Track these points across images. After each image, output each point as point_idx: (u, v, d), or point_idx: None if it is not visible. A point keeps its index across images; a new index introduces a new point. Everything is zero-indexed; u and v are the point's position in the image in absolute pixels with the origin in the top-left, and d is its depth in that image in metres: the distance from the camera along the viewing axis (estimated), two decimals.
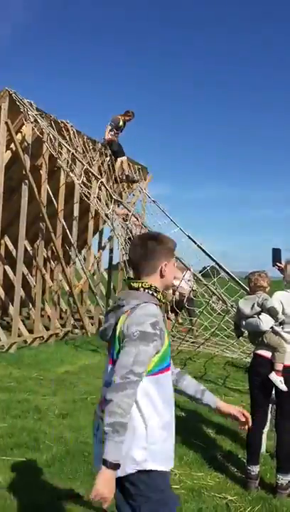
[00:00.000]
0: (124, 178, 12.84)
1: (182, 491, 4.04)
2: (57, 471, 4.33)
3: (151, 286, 2.28)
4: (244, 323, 4.44)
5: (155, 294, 2.28)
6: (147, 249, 2.30)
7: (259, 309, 4.27)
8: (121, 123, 12.36)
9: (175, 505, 2.25)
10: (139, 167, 14.11)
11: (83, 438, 5.14)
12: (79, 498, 3.83)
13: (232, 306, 8.52)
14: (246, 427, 2.44)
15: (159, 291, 2.29)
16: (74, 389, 7.13)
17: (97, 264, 13.14)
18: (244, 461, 4.67)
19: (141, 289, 2.27)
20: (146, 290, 2.26)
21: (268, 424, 5.00)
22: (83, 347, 10.31)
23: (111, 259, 13.60)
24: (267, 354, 4.20)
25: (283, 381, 4.09)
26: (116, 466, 1.98)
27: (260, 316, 4.25)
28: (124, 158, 12.64)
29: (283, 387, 4.08)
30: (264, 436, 4.96)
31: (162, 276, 2.31)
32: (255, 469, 4.20)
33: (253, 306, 4.30)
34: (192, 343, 10.34)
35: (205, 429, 5.61)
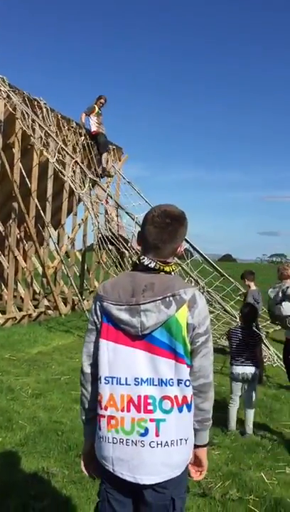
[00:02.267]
0: (101, 172, 12.82)
1: None
2: (30, 450, 4.33)
3: (176, 268, 2.14)
4: (274, 310, 4.81)
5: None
6: (174, 229, 2.07)
7: (281, 296, 4.62)
8: (97, 109, 12.35)
9: None
10: (114, 147, 13.96)
11: (56, 417, 5.15)
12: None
13: (204, 287, 8.57)
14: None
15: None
16: (48, 369, 7.12)
17: (71, 245, 13.04)
18: (216, 438, 4.80)
19: (172, 273, 2.08)
20: (173, 273, 2.08)
21: (238, 403, 5.12)
22: (56, 328, 10.28)
23: (85, 239, 13.51)
24: None
25: None
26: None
27: (283, 303, 4.56)
28: (105, 155, 12.66)
29: None
30: (234, 415, 5.09)
31: (175, 256, 2.16)
32: None
33: (278, 293, 4.64)
34: None
35: None
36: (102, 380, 1.99)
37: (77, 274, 13.75)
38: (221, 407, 5.36)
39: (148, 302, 1.94)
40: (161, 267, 2.04)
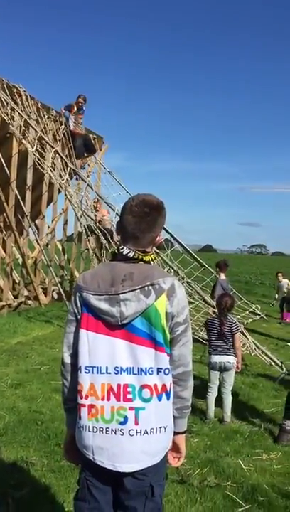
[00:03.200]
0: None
1: None
2: (9, 439, 4.32)
3: (155, 258, 2.14)
4: None
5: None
6: (153, 218, 2.07)
7: None
8: (75, 109, 12.32)
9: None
10: (95, 137, 13.85)
11: (36, 407, 5.15)
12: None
13: (183, 278, 8.62)
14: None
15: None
16: (27, 359, 7.10)
17: (52, 235, 12.95)
18: (195, 425, 4.87)
19: (152, 262, 2.08)
20: (152, 262, 2.09)
21: (216, 391, 5.19)
22: (36, 318, 10.23)
23: (65, 229, 13.42)
24: None
25: None
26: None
27: None
28: (78, 161, 12.57)
29: None
30: (212, 403, 5.16)
31: (154, 246, 2.17)
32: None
33: None
34: None
35: None
36: (83, 370, 2.00)
37: (58, 264, 13.67)
38: (200, 396, 5.44)
39: (127, 291, 1.95)
40: (140, 257, 2.05)
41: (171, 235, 12.24)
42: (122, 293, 1.95)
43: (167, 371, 1.99)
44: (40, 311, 10.86)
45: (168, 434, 2.06)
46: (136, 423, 1.95)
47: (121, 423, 1.95)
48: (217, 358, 5.13)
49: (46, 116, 11.41)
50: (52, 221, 12.72)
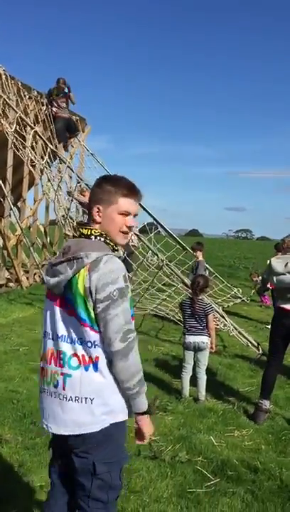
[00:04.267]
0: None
1: None
2: None
3: (102, 233, 2.09)
4: (275, 279, 4.81)
5: (109, 242, 2.10)
6: (92, 192, 2.14)
7: None
8: (55, 92, 12.17)
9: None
10: (77, 118, 13.71)
11: (13, 387, 5.19)
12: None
13: (163, 260, 8.65)
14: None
15: (112, 240, 2.11)
16: (6, 340, 7.11)
17: (33, 217, 12.86)
18: (170, 404, 4.95)
19: (92, 236, 2.08)
20: (98, 238, 2.07)
21: (190, 371, 5.27)
22: (17, 300, 10.21)
23: (47, 212, 13.34)
24: None
25: None
26: (148, 411, 2.13)
27: None
28: (60, 144, 12.40)
29: None
30: (187, 382, 5.25)
31: (111, 222, 2.09)
32: (266, 403, 4.75)
33: (286, 264, 4.67)
34: None
35: None
36: (43, 335, 2.17)
37: (40, 246, 13.61)
38: (176, 376, 5.52)
39: (58, 263, 2.06)
40: (80, 230, 2.12)
41: (154, 219, 12.27)
42: (55, 264, 2.07)
43: (90, 344, 2.00)
44: (21, 294, 10.84)
45: (95, 407, 2.02)
46: (64, 389, 2.05)
47: (55, 386, 2.08)
48: (191, 338, 5.21)
49: (27, 97, 11.24)
50: (34, 203, 12.63)
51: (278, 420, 4.78)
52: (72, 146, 13.49)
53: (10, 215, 11.65)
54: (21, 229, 11.50)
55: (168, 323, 9.18)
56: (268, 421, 4.74)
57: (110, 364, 2.02)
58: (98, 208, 2.10)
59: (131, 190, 2.12)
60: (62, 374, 2.05)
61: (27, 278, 12.09)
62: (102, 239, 2.08)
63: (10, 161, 10.97)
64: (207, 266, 10.05)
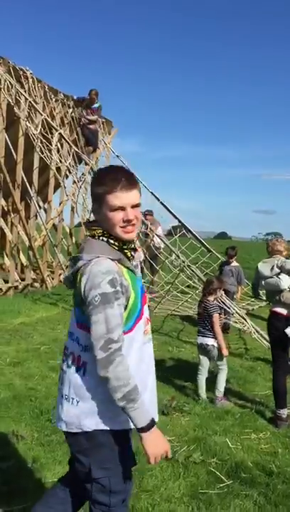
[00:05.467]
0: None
1: None
2: (2, 414, 4.43)
3: (104, 233, 1.99)
4: (263, 283, 4.83)
5: (112, 242, 2.00)
6: (91, 190, 2.04)
7: (278, 270, 4.66)
8: (86, 103, 12.31)
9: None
10: (104, 120, 13.81)
11: (32, 385, 5.26)
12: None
13: (184, 262, 8.62)
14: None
15: (117, 240, 2.00)
16: (29, 339, 7.21)
17: (59, 218, 13.00)
18: (187, 405, 4.92)
19: (96, 236, 2.02)
20: (100, 238, 2.00)
21: (205, 372, 5.23)
22: (42, 300, 10.34)
23: (72, 213, 13.46)
24: (283, 311, 4.65)
25: None
26: (151, 425, 1.91)
27: (280, 276, 4.64)
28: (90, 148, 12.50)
29: None
30: (203, 383, 5.21)
31: (107, 221, 1.98)
32: (284, 412, 4.66)
33: (272, 267, 4.69)
34: (149, 299, 10.53)
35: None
36: None
37: (66, 247, 13.74)
38: (194, 377, 5.48)
39: (68, 263, 2.12)
40: (87, 231, 2.12)
41: (179, 220, 12.24)
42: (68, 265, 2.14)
43: (82, 348, 2.00)
44: (45, 294, 10.96)
45: (81, 410, 1.99)
46: (62, 384, 2.10)
47: (60, 381, 2.16)
48: (198, 340, 5.27)
49: (54, 100, 11.39)
50: (60, 204, 12.76)
51: None
52: (98, 148, 13.59)
53: (36, 217, 11.82)
54: (46, 229, 11.62)
55: (189, 325, 9.13)
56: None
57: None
58: (94, 208, 2.04)
59: (114, 185, 1.94)
60: (62, 370, 2.12)
61: (52, 278, 12.23)
62: (105, 239, 2.00)
63: (36, 163, 11.13)
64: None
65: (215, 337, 5.13)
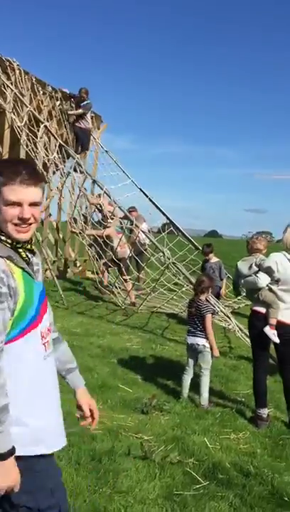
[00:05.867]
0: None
1: (99, 431, 4.13)
2: None
3: None
4: (242, 281, 4.80)
5: (4, 239, 1.80)
6: None
7: (256, 269, 4.62)
8: (75, 101, 12.11)
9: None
10: (92, 115, 13.67)
11: None
12: None
13: (169, 259, 8.57)
14: (87, 423, 2.12)
15: (10, 238, 1.80)
16: None
17: (46, 213, 12.85)
18: (168, 404, 4.85)
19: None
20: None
21: (191, 372, 5.16)
22: None
23: (59, 208, 13.33)
24: (262, 310, 4.58)
25: (276, 334, 4.49)
26: (10, 454, 1.70)
27: (258, 274, 4.59)
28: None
29: (275, 339, 4.49)
30: (187, 383, 5.15)
31: (1, 214, 1.78)
32: (264, 412, 4.63)
33: (251, 266, 4.66)
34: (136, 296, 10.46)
35: (133, 375, 5.73)
36: None
37: (52, 242, 13.60)
38: (177, 375, 5.42)
39: None
40: None
41: (167, 217, 12.17)
42: None
43: None
44: None
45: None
46: None
47: None
48: (188, 339, 5.15)
49: (41, 92, 11.23)
50: (47, 199, 12.61)
51: (277, 424, 4.64)
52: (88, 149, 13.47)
53: None
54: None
55: (174, 322, 9.07)
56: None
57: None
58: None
59: (12, 177, 1.75)
60: None
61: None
62: None
63: (22, 157, 10.94)
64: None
65: (206, 337, 5.02)
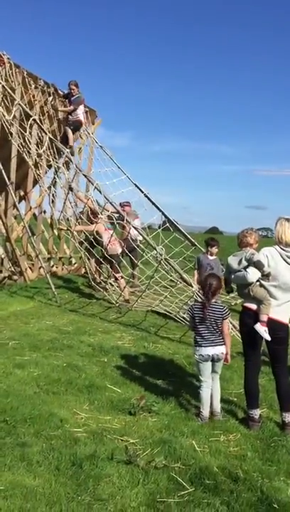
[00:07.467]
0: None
1: (83, 434, 3.97)
2: None
3: None
4: (233, 277, 4.60)
5: None
6: None
7: (246, 263, 4.42)
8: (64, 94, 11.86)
9: None
10: (87, 110, 13.45)
11: None
12: None
13: (161, 255, 8.38)
14: None
15: None
16: None
17: (39, 210, 12.67)
18: (156, 405, 4.67)
19: None
20: None
21: (211, 384, 4.81)
22: (18, 293, 10.05)
23: (53, 205, 13.15)
24: (253, 306, 4.41)
25: (267, 331, 4.32)
26: None
27: (247, 269, 4.40)
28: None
29: (267, 336, 4.32)
30: (208, 399, 4.80)
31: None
32: (256, 412, 4.45)
33: (240, 260, 4.46)
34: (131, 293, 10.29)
35: (123, 374, 5.56)
36: None
37: (47, 239, 13.42)
38: (168, 374, 5.24)
39: None
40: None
41: (163, 213, 11.98)
42: None
43: None
44: (23, 287, 10.66)
45: None
46: None
47: None
48: (208, 350, 4.55)
49: (33, 87, 11.02)
50: (40, 196, 12.43)
51: (269, 425, 4.47)
52: (82, 138, 13.23)
53: (15, 208, 11.47)
54: (24, 222, 11.28)
55: (171, 320, 8.88)
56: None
57: None
58: None
59: None
60: None
61: (32, 271, 11.90)
62: None
63: (14, 152, 10.75)
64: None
65: (223, 343, 4.63)
